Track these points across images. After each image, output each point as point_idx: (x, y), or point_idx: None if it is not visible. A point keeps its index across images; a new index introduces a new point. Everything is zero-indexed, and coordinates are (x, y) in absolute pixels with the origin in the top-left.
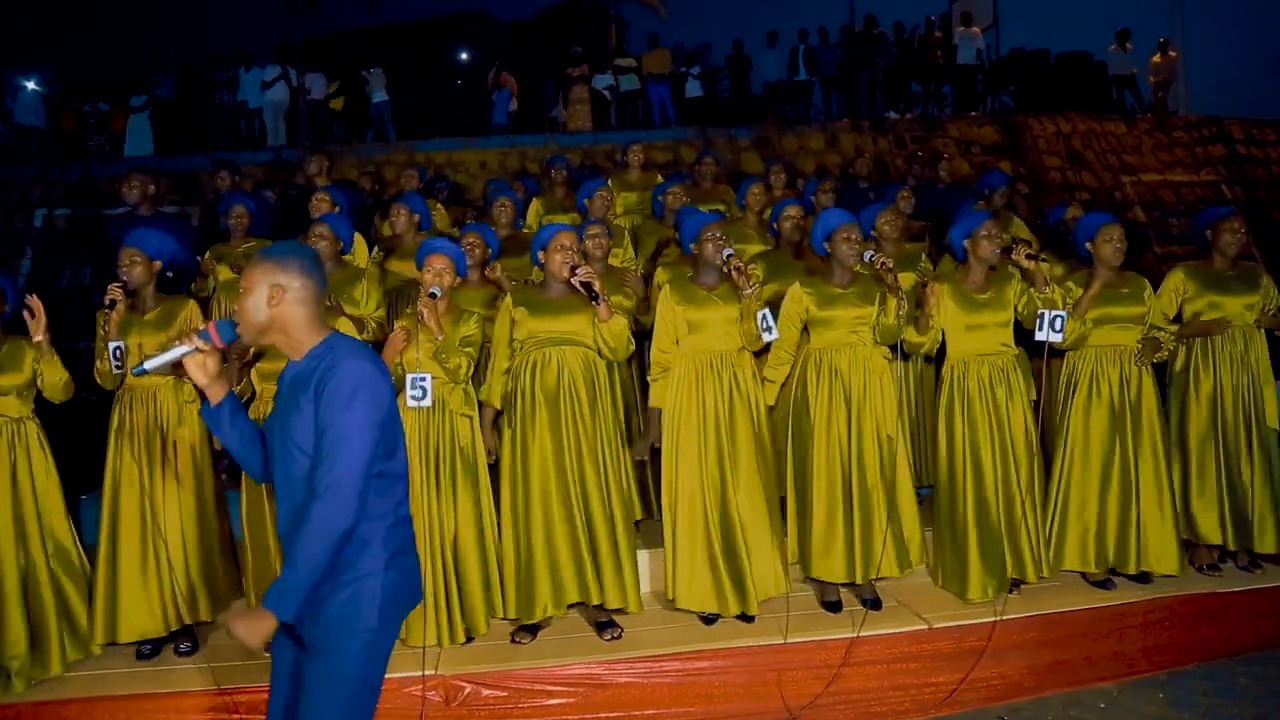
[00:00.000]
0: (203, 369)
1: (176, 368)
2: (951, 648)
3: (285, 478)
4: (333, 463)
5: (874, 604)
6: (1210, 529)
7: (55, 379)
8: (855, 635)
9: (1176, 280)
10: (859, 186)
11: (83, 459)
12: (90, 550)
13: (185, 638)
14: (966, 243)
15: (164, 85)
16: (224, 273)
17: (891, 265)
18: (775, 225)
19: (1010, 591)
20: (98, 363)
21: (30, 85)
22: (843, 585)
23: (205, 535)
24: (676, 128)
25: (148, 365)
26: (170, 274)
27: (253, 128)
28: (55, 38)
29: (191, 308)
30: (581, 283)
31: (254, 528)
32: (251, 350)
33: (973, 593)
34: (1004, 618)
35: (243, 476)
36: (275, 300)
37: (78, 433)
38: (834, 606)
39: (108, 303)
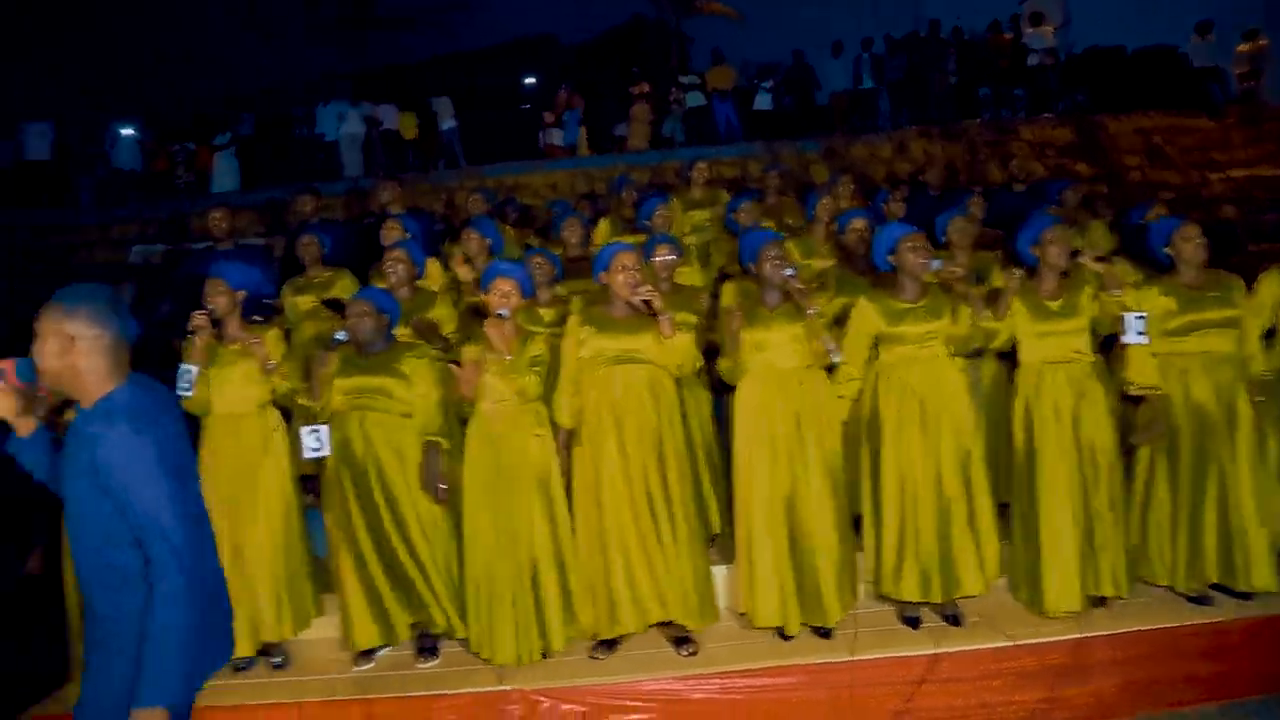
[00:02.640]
0: (6, 407)
1: None
2: (1035, 665)
3: (73, 521)
4: (158, 553)
5: (954, 619)
6: None
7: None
8: (936, 652)
9: (1274, 285)
10: (930, 194)
11: None
12: None
13: (277, 652)
14: (1034, 249)
15: (245, 123)
16: (304, 302)
17: (962, 274)
18: (841, 238)
19: (1097, 607)
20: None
21: (127, 132)
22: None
23: (290, 558)
24: (744, 143)
25: None
26: (257, 316)
27: (330, 160)
28: (144, 84)
29: (275, 334)
30: (643, 301)
31: (341, 545)
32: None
33: (1049, 605)
34: (1090, 634)
35: (327, 497)
36: (64, 351)
37: None
38: (913, 622)
39: (191, 329)
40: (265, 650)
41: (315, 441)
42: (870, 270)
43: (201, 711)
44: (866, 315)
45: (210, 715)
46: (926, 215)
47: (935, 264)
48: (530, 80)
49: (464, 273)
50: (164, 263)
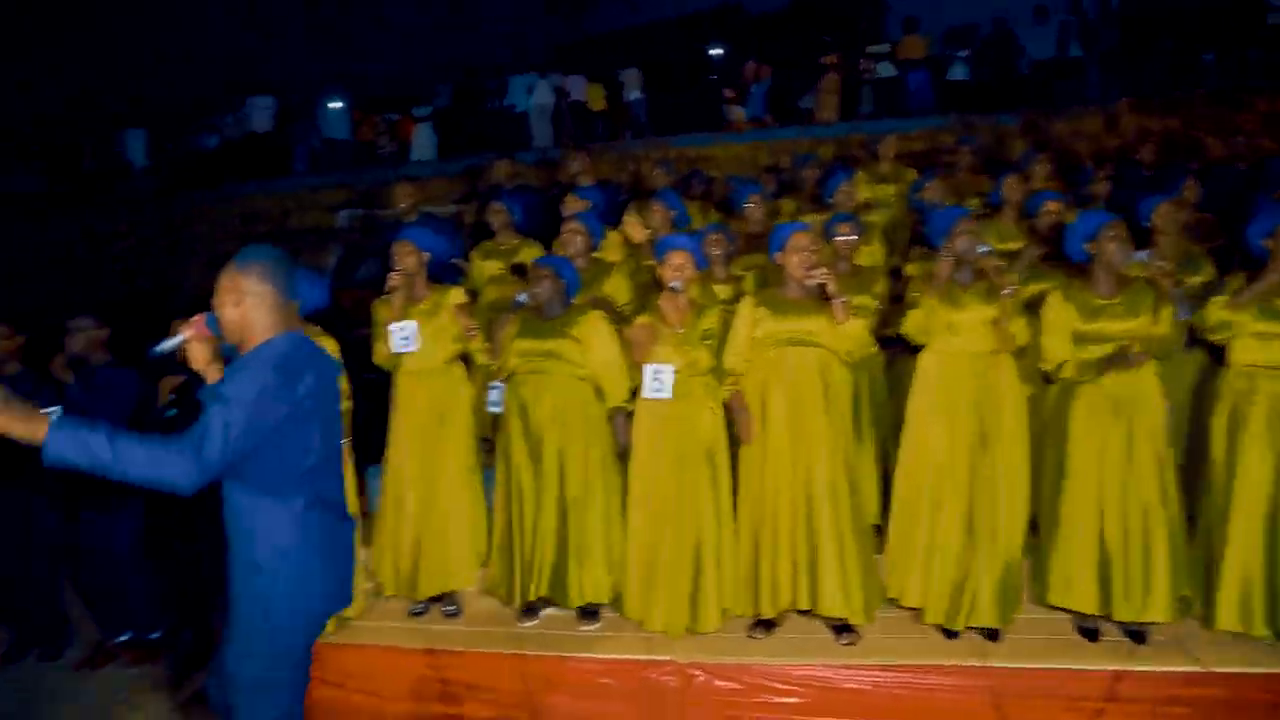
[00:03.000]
0: (198, 355)
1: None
2: (1229, 695)
3: None
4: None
5: (1138, 636)
6: None
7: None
8: (1113, 669)
9: None
10: (1142, 174)
11: (369, 434)
12: (372, 519)
13: (450, 601)
14: (1268, 242)
15: (442, 95)
16: (490, 268)
17: (1170, 268)
18: (1031, 220)
19: None
20: (377, 345)
21: (336, 105)
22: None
23: (472, 511)
24: (935, 115)
25: (157, 350)
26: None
27: (521, 131)
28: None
29: (456, 294)
30: (817, 283)
31: (502, 503)
32: None
33: (1221, 621)
34: None
35: (498, 454)
36: (237, 303)
37: (363, 410)
38: (1091, 634)
39: (388, 290)
40: (439, 598)
41: (496, 398)
42: (1064, 258)
43: (367, 650)
44: (1058, 310)
45: (378, 655)
46: (1136, 197)
47: (1140, 255)
48: (717, 51)
49: (637, 234)
50: (365, 227)
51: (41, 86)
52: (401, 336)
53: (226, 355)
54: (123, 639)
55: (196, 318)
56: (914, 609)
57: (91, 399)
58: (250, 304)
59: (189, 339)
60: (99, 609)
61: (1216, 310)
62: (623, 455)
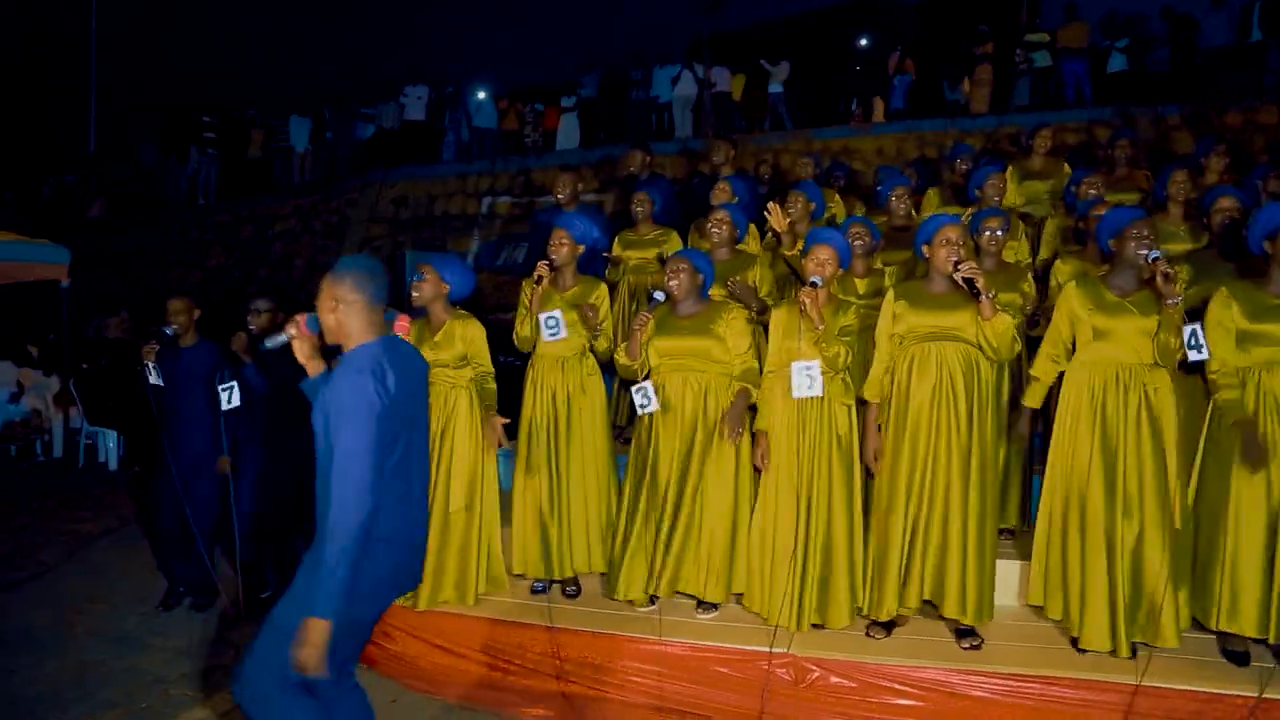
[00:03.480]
0: (300, 350)
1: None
2: None
3: (318, 451)
4: (340, 489)
5: None
6: None
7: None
8: (1261, 696)
9: None
10: None
11: (505, 415)
12: (507, 497)
13: (572, 583)
14: None
15: (588, 85)
16: (632, 257)
17: None
18: (1205, 218)
19: None
20: (518, 328)
21: (483, 95)
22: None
23: (600, 497)
24: (1093, 107)
25: (268, 344)
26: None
27: (663, 121)
28: (502, 47)
29: (602, 290)
30: (964, 279)
31: (636, 495)
32: None
33: None
34: None
35: (635, 444)
36: (333, 310)
37: (502, 392)
38: (1239, 659)
39: (535, 278)
40: (562, 579)
41: (644, 399)
42: (1238, 257)
43: (493, 624)
44: (1225, 305)
45: (501, 628)
46: None
47: None
48: (864, 42)
49: (777, 221)
50: (507, 214)
51: (215, 76)
52: (550, 327)
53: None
54: (265, 595)
55: (300, 317)
56: (1051, 618)
57: (264, 378)
58: (344, 311)
59: (293, 337)
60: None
61: None
62: (733, 427)
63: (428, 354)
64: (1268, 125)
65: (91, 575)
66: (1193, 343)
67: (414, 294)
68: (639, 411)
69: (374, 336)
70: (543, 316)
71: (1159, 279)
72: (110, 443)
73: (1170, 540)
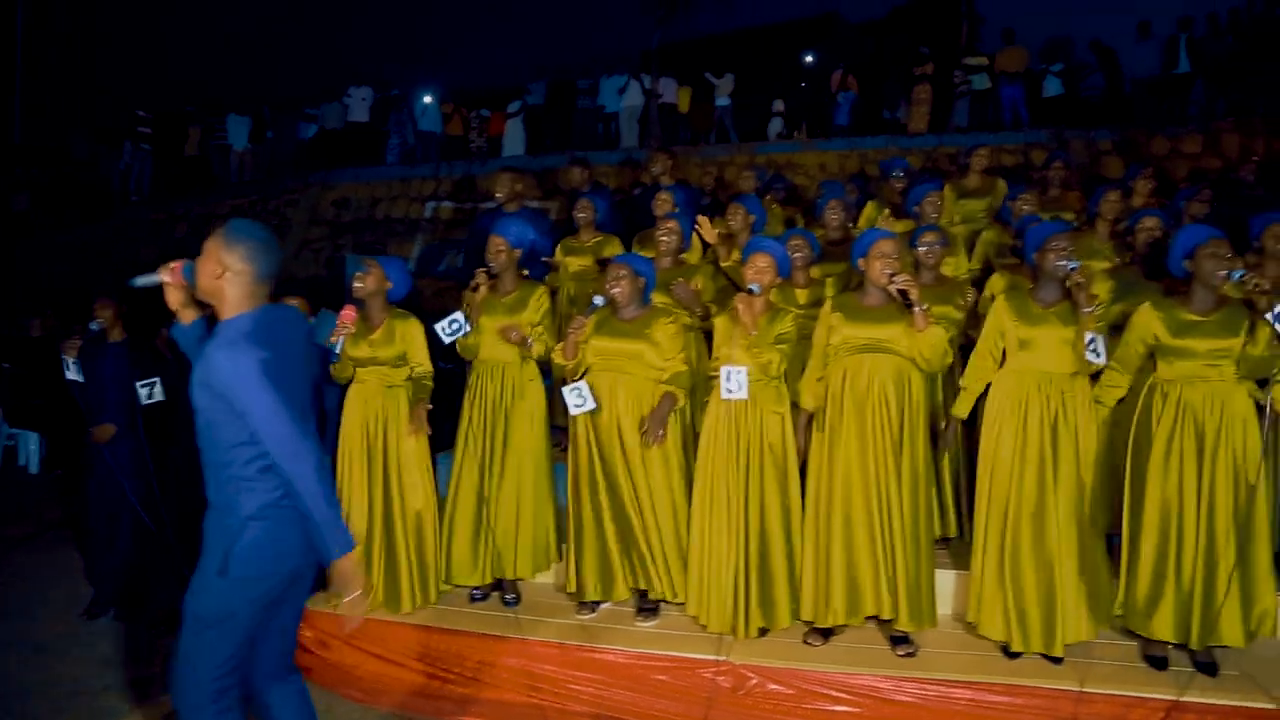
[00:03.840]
0: (173, 297)
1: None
2: None
3: (199, 425)
4: (279, 452)
5: (1208, 668)
6: None
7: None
8: (1179, 699)
9: None
10: (1244, 195)
11: (440, 421)
12: (442, 503)
13: (510, 590)
14: None
15: (535, 92)
16: (574, 263)
17: (1267, 287)
18: (1129, 238)
19: None
20: (460, 337)
21: (428, 100)
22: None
23: (537, 503)
24: (1029, 130)
25: (138, 281)
26: (525, 270)
27: (609, 130)
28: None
29: (542, 293)
30: (899, 290)
31: (577, 498)
32: None
33: None
34: None
35: (570, 449)
36: (216, 274)
37: (439, 398)
38: (1159, 663)
39: (473, 286)
40: (500, 585)
41: (578, 398)
42: (1160, 276)
43: (430, 632)
44: (1148, 323)
45: (439, 638)
46: (1237, 219)
47: (1237, 274)
48: (809, 59)
49: (708, 233)
50: (450, 219)
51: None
52: (453, 325)
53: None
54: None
55: (175, 264)
56: (971, 624)
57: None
58: (228, 279)
59: (165, 282)
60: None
61: None
62: (654, 428)
63: (365, 351)
64: (1192, 153)
65: (10, 583)
66: (1093, 349)
67: (356, 284)
68: (572, 411)
69: (251, 307)
70: (448, 317)
71: (1073, 289)
72: (31, 445)
73: (1084, 545)
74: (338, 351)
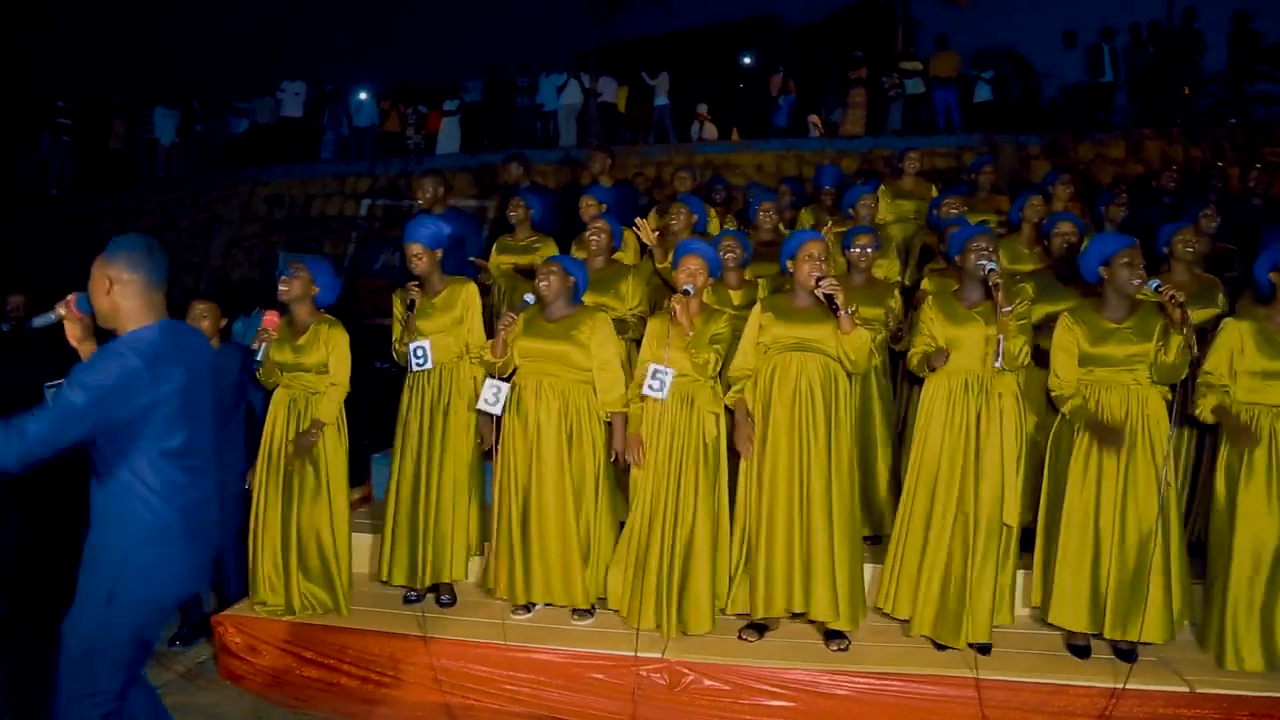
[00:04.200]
0: (71, 332)
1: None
2: (1219, 718)
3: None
4: (51, 409)
5: (1128, 655)
6: None
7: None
8: (1101, 685)
9: None
10: (1162, 201)
11: (378, 422)
12: (381, 505)
13: (446, 591)
14: (1275, 275)
15: (473, 90)
16: (506, 262)
17: (1181, 298)
18: (1046, 241)
19: None
20: (395, 343)
21: (365, 96)
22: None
23: (471, 504)
24: (961, 133)
25: (35, 322)
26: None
27: (548, 129)
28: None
29: (471, 289)
30: (824, 294)
31: (502, 499)
32: None
33: (1228, 662)
34: None
35: (497, 451)
36: (106, 291)
37: (377, 399)
38: (1081, 651)
39: (407, 304)
40: (435, 588)
41: (492, 396)
42: (1075, 279)
43: (368, 635)
44: (1068, 330)
45: (379, 642)
46: (1154, 224)
47: (1153, 284)
48: (748, 60)
49: (646, 235)
50: (386, 216)
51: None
52: (418, 357)
53: None
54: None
55: (70, 297)
56: (904, 620)
57: None
58: (119, 291)
59: (62, 316)
60: None
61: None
62: (616, 460)
63: (288, 357)
64: (1116, 158)
65: None
66: (999, 351)
67: (282, 288)
68: (478, 405)
69: (152, 320)
70: (411, 346)
71: (992, 289)
72: None
73: (1003, 540)
74: (259, 358)
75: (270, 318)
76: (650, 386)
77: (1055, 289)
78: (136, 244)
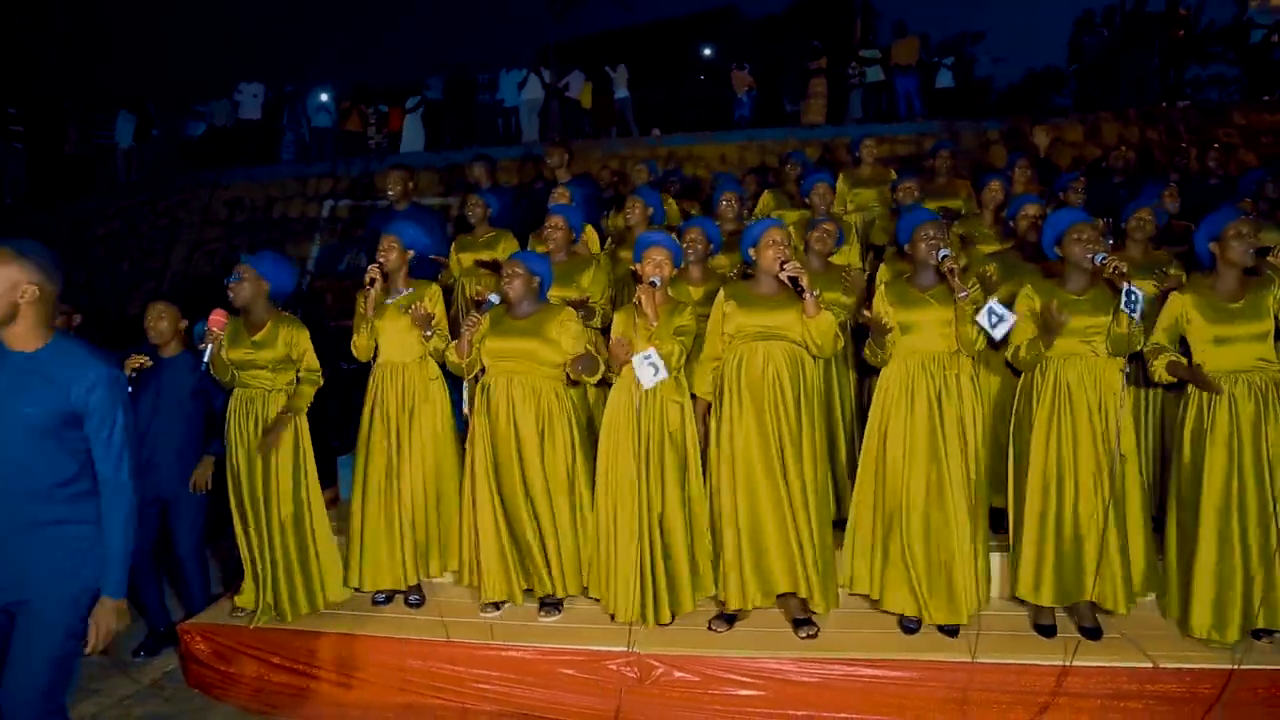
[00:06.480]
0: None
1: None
2: (1181, 692)
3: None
4: (120, 461)
5: (1093, 633)
6: None
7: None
8: (1067, 664)
9: None
10: (1117, 182)
11: (344, 423)
12: (346, 507)
13: (415, 591)
14: (1213, 245)
15: (433, 87)
16: (467, 260)
17: (1125, 269)
18: (1011, 223)
19: (1261, 639)
20: (355, 337)
21: (325, 96)
22: (1060, 609)
23: (442, 504)
24: (923, 120)
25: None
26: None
27: (510, 125)
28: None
29: (435, 291)
30: (789, 278)
31: (474, 498)
32: None
33: (1196, 628)
34: (1244, 667)
35: (467, 450)
36: (10, 291)
37: (340, 400)
38: (1047, 630)
39: (367, 281)
40: (405, 589)
41: (651, 368)
42: (1041, 259)
43: (337, 638)
44: (1030, 301)
45: (342, 643)
46: (1114, 204)
47: (1100, 257)
48: (708, 52)
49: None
50: (349, 217)
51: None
52: (649, 369)
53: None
54: None
55: (212, 320)
56: (874, 602)
57: None
58: (25, 294)
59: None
60: None
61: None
62: (576, 382)
63: (244, 354)
64: (1075, 141)
65: None
66: (991, 320)
67: (231, 295)
68: (464, 408)
69: (51, 330)
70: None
71: (947, 275)
72: None
73: (977, 516)
74: (206, 359)
75: (216, 317)
76: (648, 374)
77: (1019, 268)
78: (42, 251)
